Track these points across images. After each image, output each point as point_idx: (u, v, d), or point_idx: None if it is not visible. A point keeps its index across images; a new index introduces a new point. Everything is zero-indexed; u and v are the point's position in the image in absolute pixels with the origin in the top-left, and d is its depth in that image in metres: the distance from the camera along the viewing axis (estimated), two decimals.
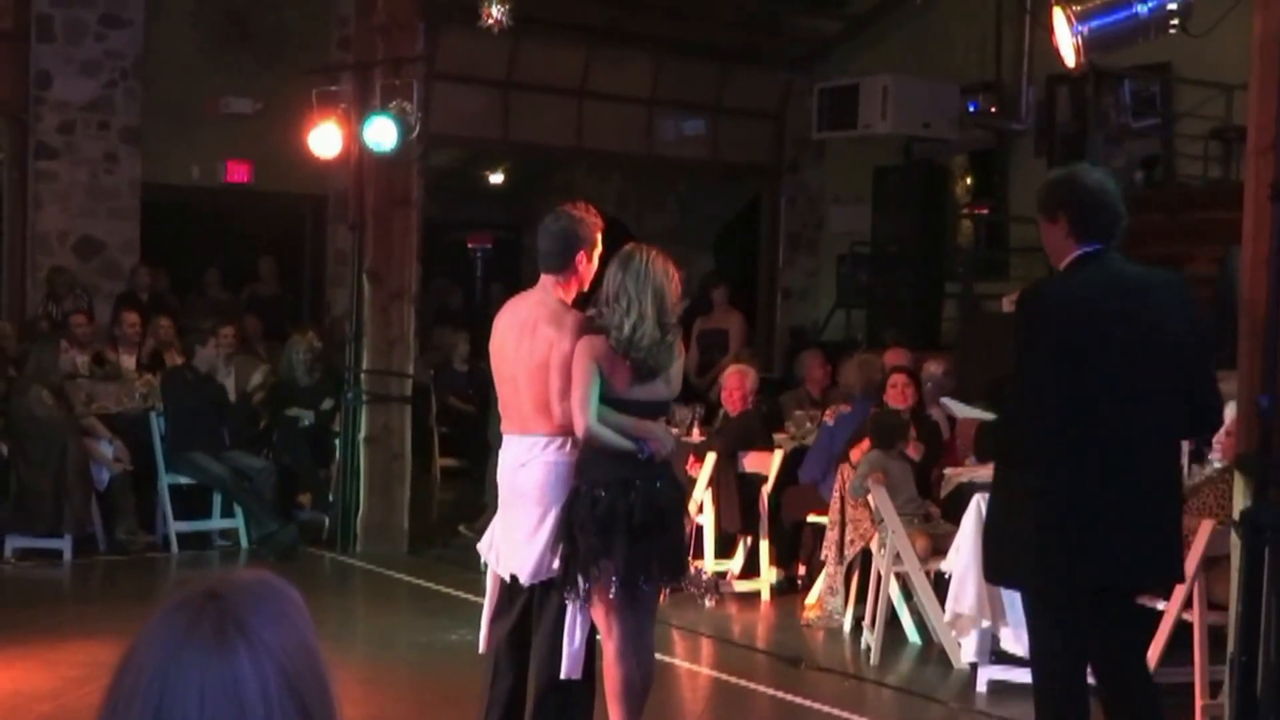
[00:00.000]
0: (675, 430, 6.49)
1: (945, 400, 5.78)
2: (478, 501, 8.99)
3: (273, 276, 12.45)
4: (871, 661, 6.48)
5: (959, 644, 6.27)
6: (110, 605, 7.38)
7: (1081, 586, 3.88)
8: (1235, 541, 4.82)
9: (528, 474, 4.39)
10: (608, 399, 4.25)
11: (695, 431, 8.05)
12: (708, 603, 7.50)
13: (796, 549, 7.97)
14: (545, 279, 4.49)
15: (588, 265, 4.45)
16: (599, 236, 4.49)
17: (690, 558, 5.42)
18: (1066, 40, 5.58)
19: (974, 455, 4.34)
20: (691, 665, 6.56)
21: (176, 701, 1.28)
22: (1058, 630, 3.93)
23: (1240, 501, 4.91)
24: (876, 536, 6.67)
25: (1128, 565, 3.88)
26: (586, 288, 4.49)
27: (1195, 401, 3.92)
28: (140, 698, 1.29)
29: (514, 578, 4.45)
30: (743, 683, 6.20)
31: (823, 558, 7.10)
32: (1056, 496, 3.79)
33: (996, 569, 4.14)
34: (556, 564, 4.31)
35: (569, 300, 4.48)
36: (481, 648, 4.61)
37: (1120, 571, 3.90)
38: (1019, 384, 3.87)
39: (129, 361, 9.72)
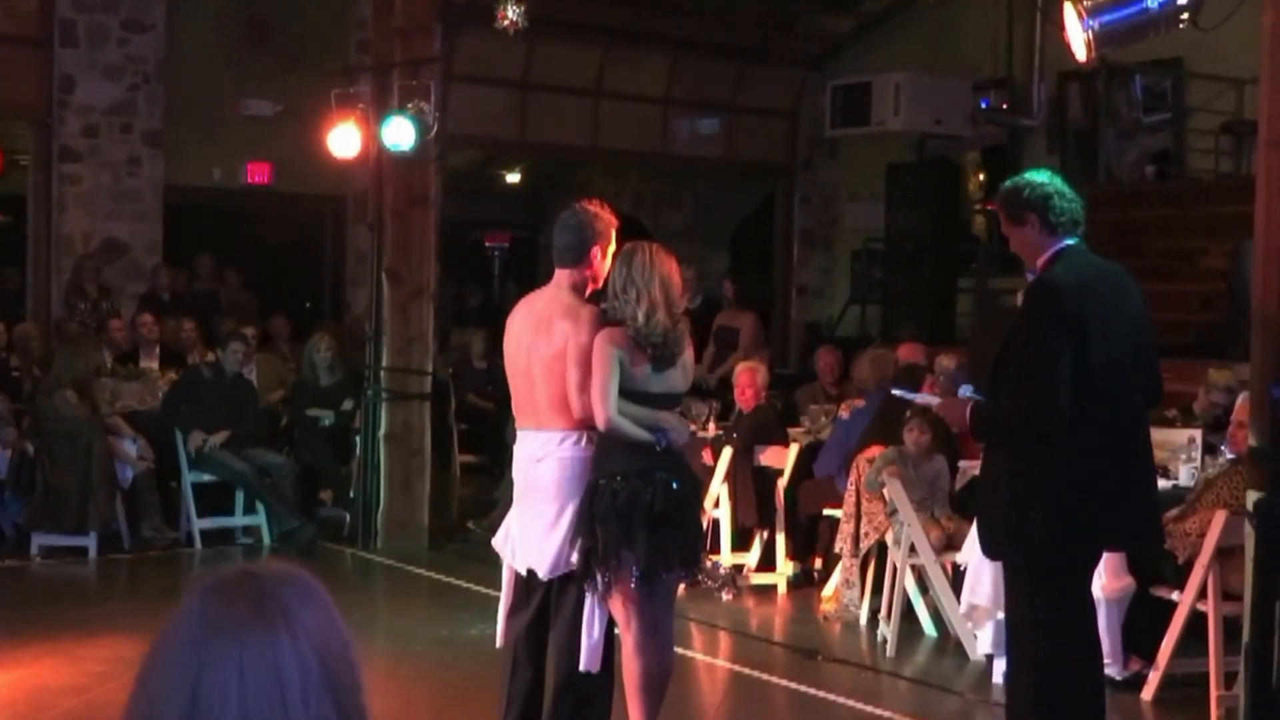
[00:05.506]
0: (693, 426, 6.55)
1: (894, 390, 5.88)
2: (492, 497, 9.05)
3: (209, 274, 12.08)
4: (888, 653, 6.53)
5: (975, 635, 6.31)
6: (135, 602, 7.46)
7: (1099, 551, 4.26)
8: (1249, 531, 4.86)
9: (544, 469, 4.42)
10: (626, 391, 4.29)
11: (711, 426, 8.09)
12: (725, 596, 7.55)
13: (813, 542, 8.02)
14: (559, 274, 4.53)
15: (602, 260, 4.48)
16: (613, 234, 4.55)
17: (706, 552, 5.47)
18: (1077, 36, 5.59)
19: (974, 437, 4.58)
20: (709, 658, 6.61)
21: (215, 675, 1.26)
22: (1069, 604, 4.11)
23: (1254, 492, 4.95)
24: (891, 529, 6.72)
25: (1137, 527, 4.23)
26: (600, 284, 4.52)
27: (1146, 375, 4.25)
28: (177, 672, 1.27)
29: (531, 572, 4.48)
30: (760, 675, 6.24)
31: (838, 550, 7.15)
32: (1074, 468, 4.03)
33: (1002, 543, 4.25)
34: (575, 557, 4.34)
35: (583, 296, 4.52)
36: (499, 642, 4.63)
37: (1132, 533, 4.26)
38: (1033, 367, 4.05)
39: (150, 361, 9.82)
